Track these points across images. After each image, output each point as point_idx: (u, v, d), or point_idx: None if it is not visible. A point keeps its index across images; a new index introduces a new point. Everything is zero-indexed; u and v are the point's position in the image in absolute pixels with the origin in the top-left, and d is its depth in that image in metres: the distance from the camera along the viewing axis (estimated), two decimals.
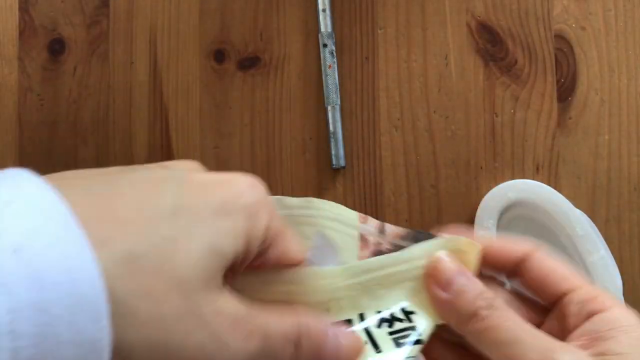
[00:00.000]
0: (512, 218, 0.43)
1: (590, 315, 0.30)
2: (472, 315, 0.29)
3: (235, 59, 0.46)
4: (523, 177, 0.45)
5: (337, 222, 0.35)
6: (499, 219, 0.43)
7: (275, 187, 0.46)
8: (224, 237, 0.24)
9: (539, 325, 0.31)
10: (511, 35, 0.45)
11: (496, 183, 0.44)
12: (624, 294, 0.41)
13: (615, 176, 0.44)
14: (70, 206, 0.21)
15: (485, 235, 0.33)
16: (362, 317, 0.31)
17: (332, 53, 0.45)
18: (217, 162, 0.46)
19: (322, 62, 0.45)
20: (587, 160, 0.44)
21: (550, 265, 0.32)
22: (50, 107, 0.47)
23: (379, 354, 0.30)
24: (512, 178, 0.44)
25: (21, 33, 0.48)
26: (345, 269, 0.31)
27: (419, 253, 0.32)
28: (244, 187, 0.26)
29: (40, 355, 0.20)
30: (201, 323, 0.23)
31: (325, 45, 0.45)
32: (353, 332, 0.29)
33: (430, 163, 0.45)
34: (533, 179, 0.44)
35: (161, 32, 0.47)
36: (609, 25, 0.45)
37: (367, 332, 0.30)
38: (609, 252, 0.42)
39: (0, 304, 0.19)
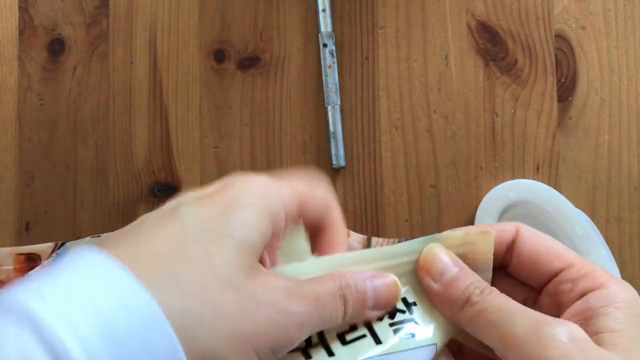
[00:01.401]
0: (512, 218, 0.43)
1: (584, 293, 0.29)
2: (465, 303, 0.29)
3: (235, 59, 0.46)
4: (523, 177, 0.45)
5: None
6: (499, 219, 0.43)
7: None
8: (247, 229, 0.26)
9: (533, 306, 0.30)
10: (511, 35, 0.45)
11: (496, 183, 0.44)
12: None
13: (615, 176, 0.44)
14: (114, 257, 0.24)
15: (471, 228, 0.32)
16: None
17: (332, 53, 0.45)
18: (217, 162, 0.46)
19: (322, 62, 0.45)
20: (587, 160, 0.44)
21: (538, 245, 0.31)
22: (50, 107, 0.47)
23: (379, 346, 0.30)
24: (512, 178, 0.44)
25: (21, 33, 0.48)
26: (352, 257, 0.31)
27: (421, 246, 0.32)
28: (244, 181, 0.28)
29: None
30: (261, 302, 0.25)
31: (325, 45, 0.45)
32: (387, 275, 0.30)
33: (430, 163, 0.45)
34: (533, 179, 0.44)
35: (161, 32, 0.47)
36: (609, 25, 0.45)
37: (369, 327, 0.30)
38: (609, 252, 0.42)
39: (71, 344, 0.22)
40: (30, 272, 0.40)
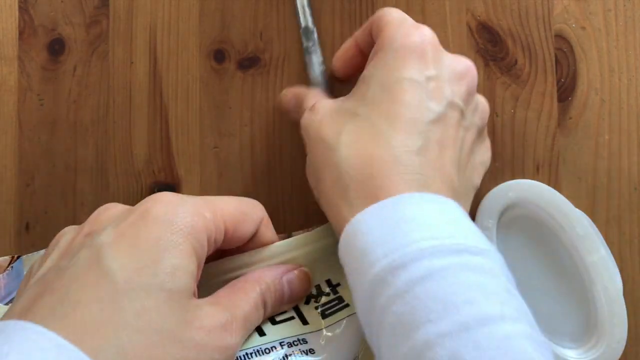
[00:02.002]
0: (512, 218, 0.43)
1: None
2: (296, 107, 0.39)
3: (235, 59, 0.46)
4: (523, 177, 0.44)
5: None
6: (499, 219, 0.43)
7: (275, 187, 0.46)
8: (176, 276, 0.26)
9: None
10: (511, 35, 0.45)
11: (496, 183, 0.44)
12: (624, 294, 0.41)
13: (615, 176, 0.44)
14: (55, 331, 0.24)
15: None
16: None
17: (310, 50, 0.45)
18: (217, 162, 0.46)
19: (310, 69, 0.45)
20: (587, 160, 0.44)
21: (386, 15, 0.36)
22: (50, 107, 0.47)
23: (307, 326, 0.32)
24: (512, 178, 0.44)
25: (21, 33, 0.48)
26: (266, 250, 0.32)
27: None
28: (161, 213, 0.27)
29: None
30: (201, 346, 0.26)
31: (308, 51, 0.45)
32: (299, 268, 0.32)
33: None
34: (533, 179, 0.44)
35: (161, 32, 0.47)
36: (609, 25, 0.45)
37: (296, 309, 0.32)
38: (609, 252, 0.42)
39: None
40: None
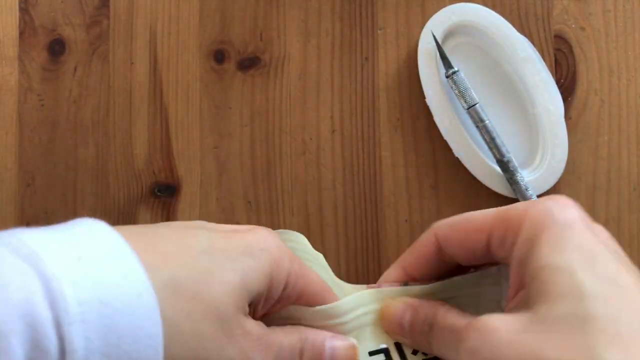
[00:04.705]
0: (456, 45, 0.44)
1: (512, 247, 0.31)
2: (425, 335, 0.32)
3: (235, 59, 0.46)
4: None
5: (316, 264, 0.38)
6: (443, 44, 0.44)
7: (275, 187, 0.46)
8: (252, 274, 0.29)
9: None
10: None
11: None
12: None
13: (615, 176, 0.44)
14: (119, 235, 0.26)
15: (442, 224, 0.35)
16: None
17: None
18: (217, 162, 0.46)
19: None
20: (587, 160, 0.44)
21: (458, 234, 0.34)
22: (50, 107, 0.47)
23: None
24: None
25: (21, 33, 0.48)
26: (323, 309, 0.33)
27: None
28: (265, 234, 0.31)
29: (105, 347, 0.23)
30: (232, 342, 0.28)
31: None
32: (347, 339, 0.33)
33: (430, 163, 0.45)
34: None
35: (161, 32, 0.47)
36: (608, 26, 0.45)
37: None
38: (549, 74, 0.44)
39: (70, 296, 0.23)
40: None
